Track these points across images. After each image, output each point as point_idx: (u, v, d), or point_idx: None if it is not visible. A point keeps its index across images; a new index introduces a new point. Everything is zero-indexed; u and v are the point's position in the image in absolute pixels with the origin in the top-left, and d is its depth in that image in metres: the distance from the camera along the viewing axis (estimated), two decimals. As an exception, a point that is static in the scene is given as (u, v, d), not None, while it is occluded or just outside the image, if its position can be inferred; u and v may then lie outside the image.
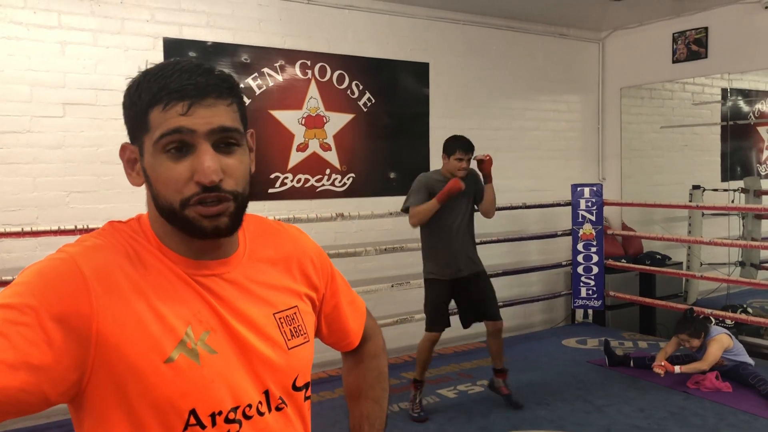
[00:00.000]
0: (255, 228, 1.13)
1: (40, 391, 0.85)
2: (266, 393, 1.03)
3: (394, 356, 5.41)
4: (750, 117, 6.38)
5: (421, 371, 4.16)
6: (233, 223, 0.98)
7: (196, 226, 0.95)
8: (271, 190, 4.92)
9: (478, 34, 5.94)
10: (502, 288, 6.02)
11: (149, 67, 0.98)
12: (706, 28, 5.90)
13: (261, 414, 1.02)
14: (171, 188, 0.94)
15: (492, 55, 6.04)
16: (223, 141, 0.95)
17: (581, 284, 6.00)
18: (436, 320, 4.11)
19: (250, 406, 1.00)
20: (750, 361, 4.49)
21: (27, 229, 3.88)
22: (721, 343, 4.42)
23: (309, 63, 5.05)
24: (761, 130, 6.46)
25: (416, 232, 5.47)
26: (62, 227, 3.95)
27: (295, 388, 1.08)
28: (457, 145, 4.03)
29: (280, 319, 1.06)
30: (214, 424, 0.96)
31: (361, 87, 5.28)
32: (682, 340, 4.52)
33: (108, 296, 0.91)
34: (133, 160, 1.01)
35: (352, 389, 1.36)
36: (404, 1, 5.42)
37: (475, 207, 4.30)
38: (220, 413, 0.97)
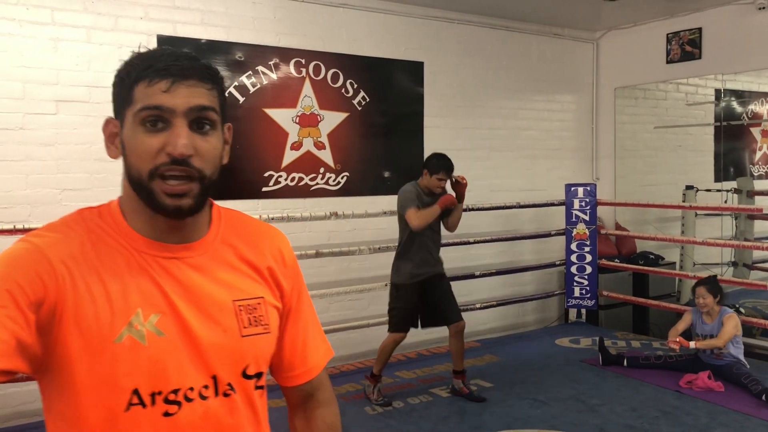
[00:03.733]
0: (234, 220, 1.17)
1: (22, 365, 0.92)
2: (214, 378, 1.05)
3: (388, 355, 5.40)
4: (743, 118, 6.40)
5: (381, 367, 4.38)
6: (196, 204, 1.02)
7: (158, 201, 1.00)
8: (264, 189, 4.91)
9: (473, 33, 5.94)
10: (495, 287, 6.04)
11: (145, 50, 1.05)
12: (699, 29, 5.91)
13: (204, 398, 1.03)
14: (143, 158, 0.99)
15: (487, 55, 6.04)
16: (199, 121, 1.01)
17: (575, 284, 6.01)
18: (406, 323, 4.33)
19: (191, 389, 1.02)
20: (744, 361, 4.51)
21: (19, 226, 3.85)
22: (736, 321, 4.49)
23: (303, 61, 5.04)
24: (754, 130, 6.48)
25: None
26: (54, 225, 3.92)
27: (245, 375, 1.08)
28: (442, 166, 4.21)
29: (239, 306, 1.08)
30: (153, 403, 0.99)
31: (355, 86, 5.28)
32: (698, 294, 4.59)
33: (71, 279, 0.97)
34: (114, 134, 1.06)
35: None
36: (399, 0, 5.42)
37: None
38: (160, 393, 1.00)
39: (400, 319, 4.31)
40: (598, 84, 6.81)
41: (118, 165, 3.84)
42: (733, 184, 6.21)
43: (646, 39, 6.33)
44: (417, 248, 4.27)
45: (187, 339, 1.02)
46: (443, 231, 4.43)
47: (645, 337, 5.94)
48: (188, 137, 0.98)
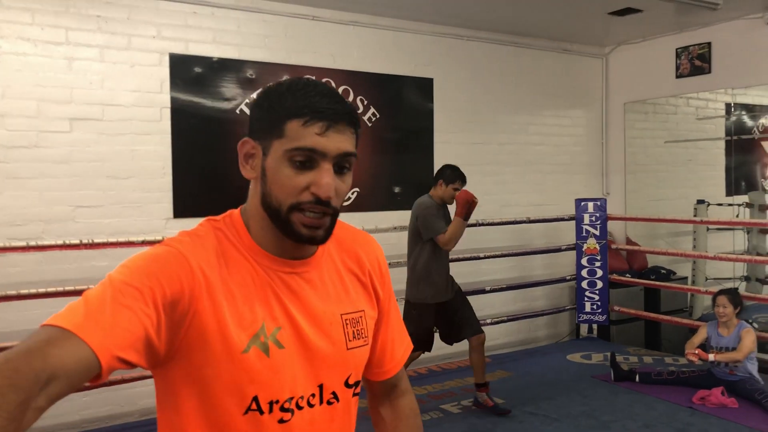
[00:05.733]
0: (336, 232, 1.21)
1: (142, 360, 0.97)
2: (320, 387, 1.13)
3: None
4: (754, 132, 6.39)
5: None
6: (326, 235, 1.10)
7: (295, 230, 1.06)
8: (275, 205, 4.93)
9: (483, 49, 5.97)
10: (506, 302, 6.03)
11: (292, 79, 1.10)
12: (709, 44, 5.92)
13: (311, 406, 1.12)
14: (286, 192, 1.05)
15: (496, 71, 6.07)
16: (341, 164, 1.07)
17: (586, 299, 5.99)
18: (426, 343, 4.31)
19: (302, 397, 1.11)
20: (758, 377, 4.47)
21: (32, 243, 3.90)
22: (754, 336, 4.48)
23: (314, 78, 5.07)
24: (765, 144, 6.46)
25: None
26: (67, 242, 3.96)
27: (347, 384, 1.17)
28: (458, 176, 4.22)
29: (346, 320, 1.16)
30: (270, 410, 1.07)
31: (365, 102, 5.31)
32: (719, 303, 4.57)
33: (207, 287, 1.03)
34: (250, 155, 1.11)
35: None
36: (409, 17, 5.46)
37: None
38: (277, 401, 1.08)
39: (416, 342, 4.28)
40: (607, 99, 6.82)
41: (131, 182, 3.94)
42: (744, 198, 6.19)
43: (656, 54, 6.34)
44: (440, 266, 4.24)
45: (302, 351, 1.10)
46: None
47: (657, 352, 5.90)
48: (333, 180, 1.05)
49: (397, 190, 5.52)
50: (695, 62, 6.01)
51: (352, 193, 5.27)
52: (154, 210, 4.47)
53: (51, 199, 4.17)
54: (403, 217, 5.41)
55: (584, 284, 5.99)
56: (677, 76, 6.17)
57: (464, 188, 4.22)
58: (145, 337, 0.95)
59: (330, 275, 1.17)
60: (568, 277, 6.26)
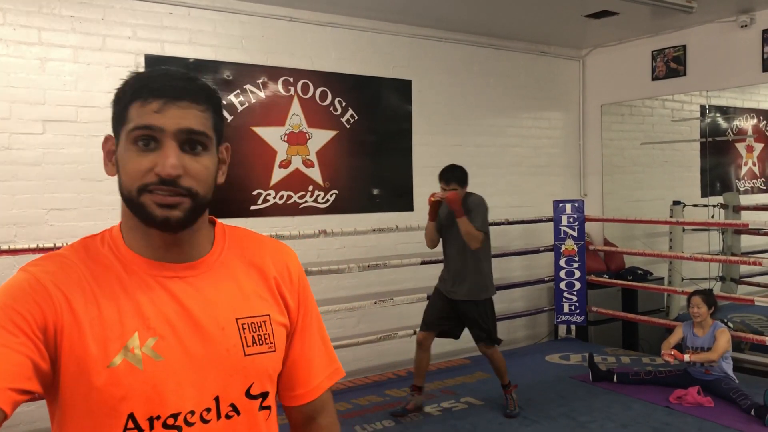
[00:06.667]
0: (240, 237, 1.17)
1: (38, 387, 0.95)
2: (216, 399, 1.04)
3: (378, 373, 5.38)
4: (728, 133, 6.47)
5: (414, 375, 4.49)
6: (186, 219, 1.02)
7: (149, 212, 1.00)
8: (253, 207, 4.90)
9: (461, 51, 5.98)
10: (485, 304, 6.02)
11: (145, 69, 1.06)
12: (684, 46, 5.99)
13: (205, 421, 1.03)
14: (133, 177, 1.00)
15: (474, 73, 6.08)
16: (190, 143, 1.01)
17: (564, 300, 6.02)
18: (424, 321, 4.45)
19: (192, 412, 1.02)
20: (733, 376, 4.52)
21: (5, 247, 3.82)
22: (728, 335, 4.50)
23: (291, 80, 5.05)
24: (739, 146, 6.55)
25: (399, 249, 5.50)
26: (41, 245, 3.89)
27: (249, 395, 1.08)
28: (440, 176, 4.32)
29: (243, 324, 1.08)
30: (151, 428, 0.99)
31: (343, 104, 5.29)
32: (694, 303, 4.60)
33: (68, 306, 0.98)
34: (111, 151, 1.07)
35: None
36: (387, 19, 5.46)
37: None
38: (158, 417, 0.99)
39: (423, 317, 4.47)
40: (584, 101, 6.87)
41: (106, 185, 3.87)
42: (719, 199, 6.27)
43: (632, 56, 6.40)
44: (445, 258, 4.44)
45: (187, 361, 1.02)
46: None
47: (634, 352, 5.94)
48: (177, 157, 0.99)
49: (375, 192, 5.50)
50: (671, 65, 6.08)
51: (331, 195, 5.25)
52: (129, 213, 4.41)
53: (24, 201, 4.10)
54: (383, 219, 5.41)
55: (562, 285, 6.02)
56: (653, 79, 6.23)
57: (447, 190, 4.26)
58: (32, 365, 0.93)
59: (226, 280, 1.10)
60: (546, 279, 6.29)
